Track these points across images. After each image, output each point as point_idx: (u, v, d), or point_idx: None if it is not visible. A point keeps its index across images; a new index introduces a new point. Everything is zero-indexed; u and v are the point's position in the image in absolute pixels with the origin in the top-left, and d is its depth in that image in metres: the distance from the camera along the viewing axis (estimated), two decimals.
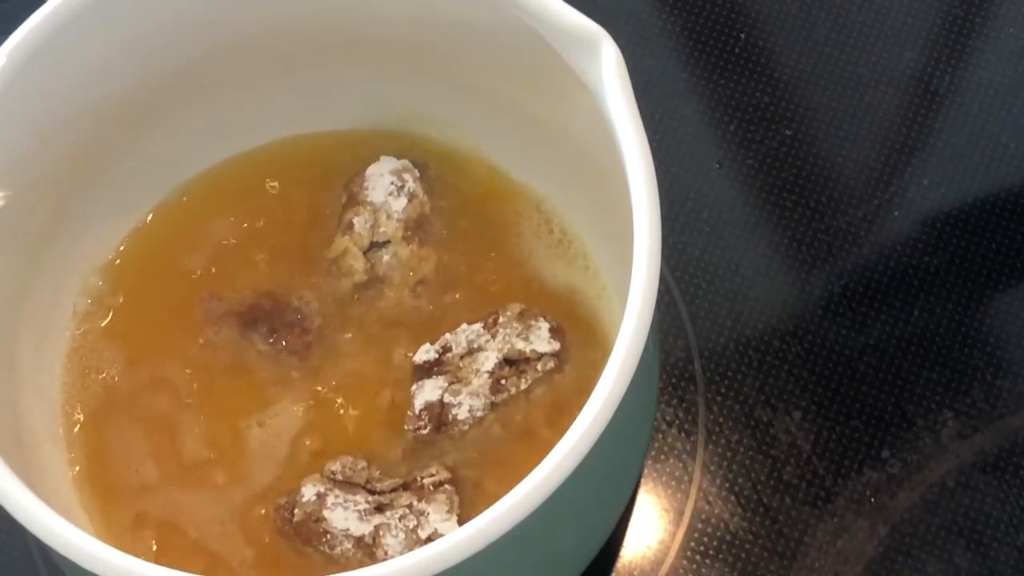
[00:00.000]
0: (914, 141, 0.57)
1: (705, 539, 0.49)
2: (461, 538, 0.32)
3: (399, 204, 0.46)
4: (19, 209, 0.41)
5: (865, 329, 0.53)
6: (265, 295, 0.46)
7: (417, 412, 0.43)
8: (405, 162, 0.47)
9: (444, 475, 0.42)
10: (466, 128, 0.48)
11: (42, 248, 0.44)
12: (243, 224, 0.48)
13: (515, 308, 0.45)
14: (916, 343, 0.53)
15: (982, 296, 0.54)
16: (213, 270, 0.47)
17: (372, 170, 0.47)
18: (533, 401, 0.44)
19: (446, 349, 0.44)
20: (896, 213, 0.56)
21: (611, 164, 0.38)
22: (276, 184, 0.49)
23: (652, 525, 0.50)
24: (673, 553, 0.49)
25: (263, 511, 0.43)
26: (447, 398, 0.43)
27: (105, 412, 0.45)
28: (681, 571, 0.49)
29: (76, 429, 0.45)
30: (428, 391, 0.43)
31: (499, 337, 0.44)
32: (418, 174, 0.47)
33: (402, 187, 0.47)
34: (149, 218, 0.48)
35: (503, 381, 0.43)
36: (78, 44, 0.40)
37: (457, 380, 0.43)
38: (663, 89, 0.58)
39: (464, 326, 0.45)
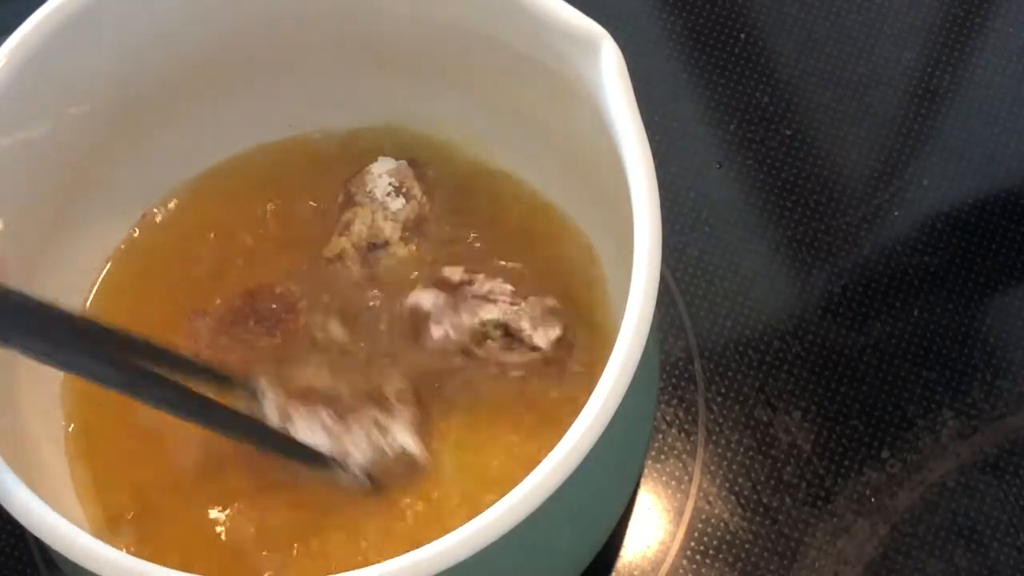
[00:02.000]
0: (914, 141, 0.57)
1: (705, 539, 0.49)
2: (460, 539, 0.32)
3: (397, 205, 0.46)
4: (19, 211, 0.41)
5: (865, 329, 0.53)
6: (263, 295, 0.46)
7: (407, 307, 0.44)
8: (404, 163, 0.47)
9: (403, 384, 0.43)
10: (466, 128, 0.48)
11: (41, 249, 0.44)
12: (242, 224, 0.48)
13: (549, 301, 0.45)
14: (916, 343, 0.53)
15: (982, 296, 0.54)
16: (211, 270, 0.47)
17: (371, 170, 0.47)
18: (525, 393, 0.44)
19: (470, 283, 0.45)
20: (896, 213, 0.56)
21: (611, 164, 0.37)
22: (275, 184, 0.48)
23: (652, 525, 0.50)
24: (673, 553, 0.49)
25: (259, 512, 0.43)
26: (434, 312, 0.44)
27: (105, 413, 0.45)
28: (681, 571, 0.49)
29: (76, 429, 0.45)
30: (425, 298, 0.44)
31: (516, 308, 0.44)
32: (417, 175, 0.47)
33: (400, 187, 0.47)
34: (149, 218, 0.48)
35: (489, 341, 0.44)
36: (77, 45, 0.40)
37: (454, 310, 0.44)
38: (663, 89, 0.58)
39: (499, 280, 0.45)
